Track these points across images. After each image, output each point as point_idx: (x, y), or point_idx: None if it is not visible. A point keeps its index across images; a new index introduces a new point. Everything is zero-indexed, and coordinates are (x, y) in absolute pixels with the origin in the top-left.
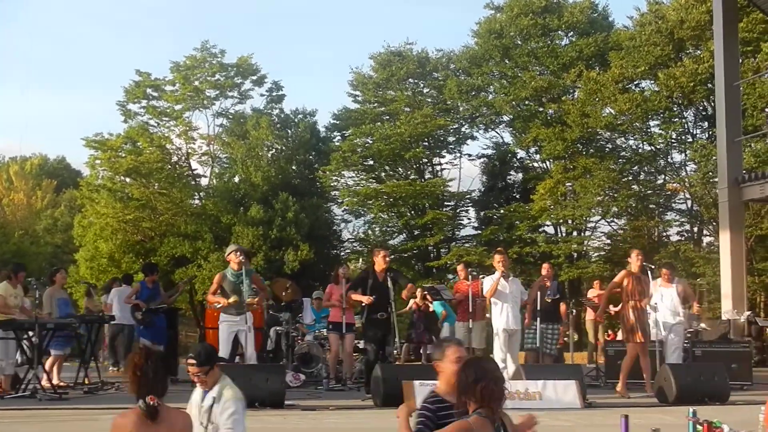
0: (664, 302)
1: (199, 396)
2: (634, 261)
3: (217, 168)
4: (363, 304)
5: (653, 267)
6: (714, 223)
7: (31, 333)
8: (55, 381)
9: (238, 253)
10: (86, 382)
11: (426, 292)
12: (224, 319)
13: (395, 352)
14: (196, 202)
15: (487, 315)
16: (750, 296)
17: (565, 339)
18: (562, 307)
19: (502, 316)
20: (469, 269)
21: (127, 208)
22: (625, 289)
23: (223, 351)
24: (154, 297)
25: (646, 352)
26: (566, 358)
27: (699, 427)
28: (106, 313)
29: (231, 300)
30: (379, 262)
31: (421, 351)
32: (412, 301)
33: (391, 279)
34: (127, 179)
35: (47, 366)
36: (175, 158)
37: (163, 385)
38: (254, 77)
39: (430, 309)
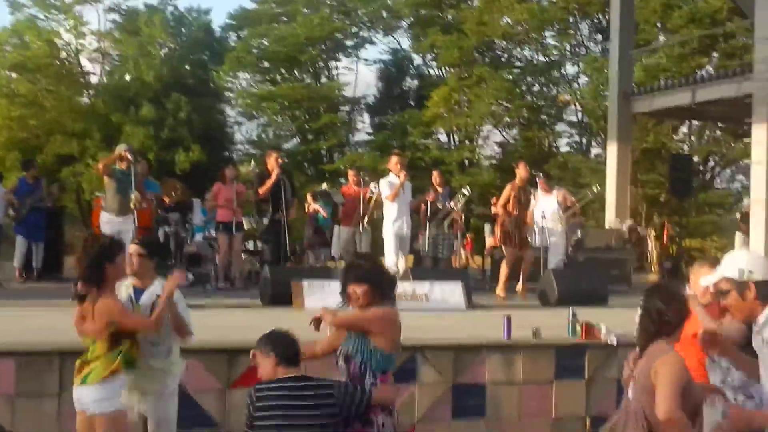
0: (546, 210)
1: (128, 294)
2: (520, 173)
3: (107, 66)
4: (261, 207)
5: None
6: (602, 136)
7: None
8: None
9: (126, 153)
10: None
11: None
12: (106, 219)
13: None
14: (85, 100)
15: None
16: (633, 207)
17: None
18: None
19: (397, 221)
20: (360, 174)
21: (13, 104)
22: (510, 199)
23: None
24: (33, 193)
25: (527, 258)
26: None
27: (578, 327)
28: None
29: (116, 153)
30: (272, 164)
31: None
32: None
33: (284, 182)
34: (13, 75)
35: None
36: (63, 54)
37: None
38: None
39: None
